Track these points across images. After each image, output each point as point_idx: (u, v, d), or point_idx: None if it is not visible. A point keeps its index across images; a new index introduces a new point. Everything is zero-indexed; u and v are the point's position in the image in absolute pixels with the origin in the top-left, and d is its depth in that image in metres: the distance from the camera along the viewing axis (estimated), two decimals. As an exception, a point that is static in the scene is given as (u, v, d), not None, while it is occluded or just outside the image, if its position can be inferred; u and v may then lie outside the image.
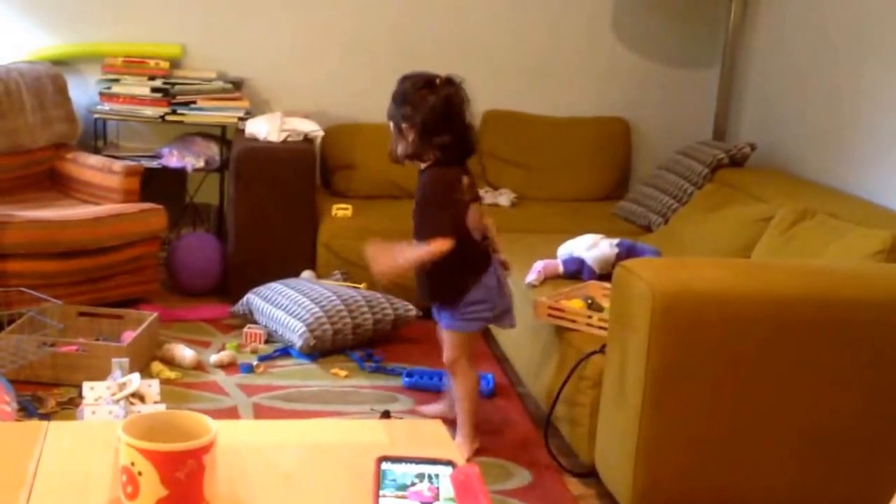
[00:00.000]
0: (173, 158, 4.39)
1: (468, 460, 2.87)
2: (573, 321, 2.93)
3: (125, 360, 2.99)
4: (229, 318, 3.95)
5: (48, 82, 4.25)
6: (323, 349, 3.63)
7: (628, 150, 4.94)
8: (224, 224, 4.58)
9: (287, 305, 3.69)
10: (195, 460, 1.14)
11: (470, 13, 4.82)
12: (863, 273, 2.64)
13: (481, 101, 4.77)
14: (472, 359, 3.01)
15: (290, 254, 4.16)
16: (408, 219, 2.90)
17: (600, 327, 2.82)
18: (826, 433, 2.44)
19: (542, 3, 4.86)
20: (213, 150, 4.47)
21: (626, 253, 3.32)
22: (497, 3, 4.84)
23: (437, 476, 1.27)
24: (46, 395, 3.17)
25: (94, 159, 4.18)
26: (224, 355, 3.55)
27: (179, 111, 4.41)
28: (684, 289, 2.36)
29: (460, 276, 2.86)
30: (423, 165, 2.85)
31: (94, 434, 1.40)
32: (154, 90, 4.40)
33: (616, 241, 3.43)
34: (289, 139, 4.25)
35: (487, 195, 4.55)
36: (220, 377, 3.44)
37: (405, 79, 2.85)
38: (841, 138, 3.98)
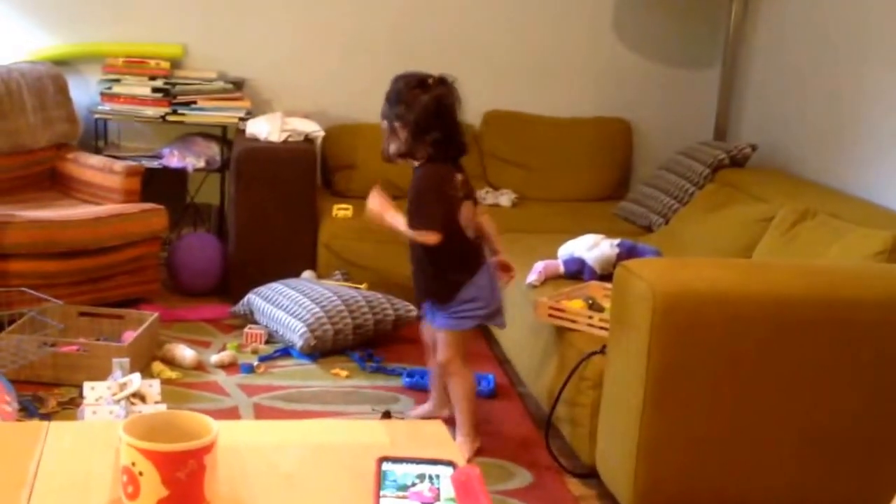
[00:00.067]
0: (174, 158, 4.39)
1: (469, 460, 2.87)
2: (574, 321, 2.92)
3: (126, 361, 2.99)
4: (230, 319, 3.95)
5: (49, 82, 4.25)
6: (323, 349, 3.63)
7: (629, 151, 4.94)
8: (225, 224, 4.58)
9: (288, 306, 3.69)
10: (196, 460, 1.14)
11: (470, 13, 4.82)
12: (863, 273, 2.64)
13: (482, 101, 4.79)
14: (467, 358, 3.01)
15: (291, 254, 4.16)
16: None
17: (601, 328, 2.82)
18: (826, 433, 2.44)
19: (542, 3, 4.86)
20: (214, 150, 4.47)
21: (627, 253, 3.32)
22: (497, 3, 4.84)
23: (437, 476, 1.27)
24: (47, 395, 3.17)
25: (94, 159, 4.18)
26: (225, 355, 3.55)
27: (180, 111, 4.41)
28: (685, 289, 2.36)
29: (453, 273, 2.88)
30: (416, 163, 2.87)
31: (94, 434, 1.40)
32: (155, 90, 4.40)
33: (617, 241, 3.43)
34: (289, 139, 4.25)
35: (488, 195, 4.55)
36: (220, 377, 3.44)
37: (398, 78, 2.88)
38: (842, 138, 3.98)
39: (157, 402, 2.85)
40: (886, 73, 3.70)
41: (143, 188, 4.10)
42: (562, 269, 3.39)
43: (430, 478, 1.26)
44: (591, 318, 2.89)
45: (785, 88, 4.46)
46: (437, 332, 3.00)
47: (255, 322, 3.82)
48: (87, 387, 2.82)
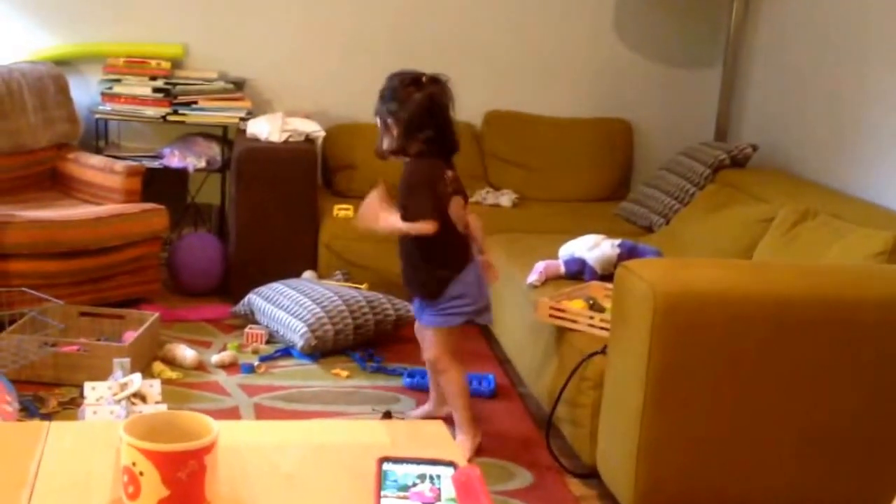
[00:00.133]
0: (175, 158, 4.39)
1: (471, 457, 2.88)
2: (574, 322, 2.92)
3: (126, 361, 2.99)
4: (230, 319, 3.95)
5: (50, 82, 4.25)
6: (324, 349, 3.63)
7: (630, 151, 4.94)
8: (225, 224, 4.58)
9: (288, 306, 3.69)
10: (197, 461, 1.14)
11: (470, 13, 4.82)
12: (864, 274, 2.64)
13: (482, 101, 4.80)
14: (460, 356, 3.01)
15: (292, 254, 4.16)
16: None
17: (602, 328, 2.82)
18: (827, 433, 2.44)
19: (543, 3, 4.86)
20: (215, 150, 4.47)
21: (628, 253, 3.32)
22: (497, 3, 4.84)
23: (438, 477, 1.27)
24: (48, 395, 3.17)
25: (95, 159, 4.18)
26: (225, 355, 3.55)
27: (181, 111, 4.41)
28: (686, 289, 2.36)
29: (442, 268, 2.90)
30: (407, 159, 2.90)
31: (95, 434, 1.40)
32: (155, 90, 4.40)
33: (617, 241, 3.43)
34: (290, 139, 4.25)
35: (489, 196, 4.55)
36: (221, 377, 3.44)
37: (393, 76, 2.91)
38: (842, 139, 3.97)
39: (157, 403, 2.85)
40: (887, 73, 3.70)
41: (143, 188, 4.10)
42: (562, 269, 3.39)
43: (431, 478, 1.26)
44: (591, 318, 2.89)
45: (786, 89, 4.46)
46: (425, 330, 3.01)
47: (256, 322, 3.82)
48: (88, 387, 2.82)
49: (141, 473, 1.13)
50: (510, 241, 3.83)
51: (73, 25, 4.54)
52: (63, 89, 4.29)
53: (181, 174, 4.53)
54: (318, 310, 3.63)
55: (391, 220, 2.85)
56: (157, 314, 3.60)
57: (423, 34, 4.75)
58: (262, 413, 3.17)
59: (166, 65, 4.45)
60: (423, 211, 2.80)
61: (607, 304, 2.91)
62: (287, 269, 4.04)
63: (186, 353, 3.50)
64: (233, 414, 3.14)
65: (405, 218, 2.83)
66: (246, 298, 3.89)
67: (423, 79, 2.85)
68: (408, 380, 3.45)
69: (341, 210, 4.24)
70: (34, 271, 3.61)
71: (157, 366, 3.42)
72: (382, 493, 1.22)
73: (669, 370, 2.35)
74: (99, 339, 3.48)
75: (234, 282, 4.17)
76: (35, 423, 1.67)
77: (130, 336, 3.41)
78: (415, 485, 1.24)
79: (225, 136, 4.55)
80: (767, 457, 2.43)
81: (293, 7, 4.70)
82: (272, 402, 3.26)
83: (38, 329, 3.34)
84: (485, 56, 4.84)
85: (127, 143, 4.62)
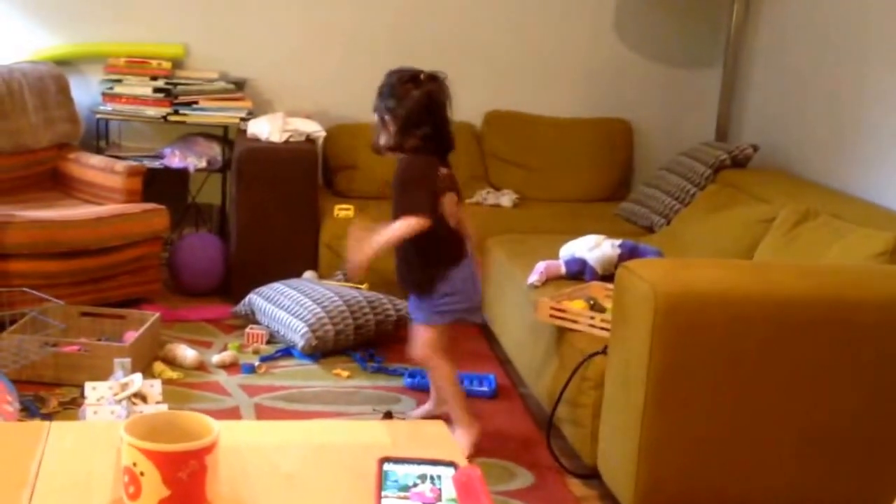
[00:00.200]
0: (175, 158, 4.39)
1: (472, 452, 2.88)
2: (575, 322, 2.92)
3: (127, 361, 2.99)
4: (231, 319, 3.95)
5: (51, 82, 4.25)
6: (325, 350, 3.63)
7: (630, 151, 4.94)
8: (226, 224, 4.59)
9: (289, 306, 3.69)
10: (197, 461, 1.14)
11: (470, 13, 4.83)
12: (865, 274, 2.64)
13: (482, 101, 4.80)
14: (447, 353, 3.00)
15: (292, 254, 4.16)
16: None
17: (602, 328, 2.82)
18: (827, 433, 2.44)
19: (543, 3, 4.86)
20: (216, 150, 4.47)
21: (629, 254, 3.32)
22: (497, 3, 4.84)
23: (439, 477, 1.27)
24: (48, 395, 3.17)
25: (96, 159, 4.18)
26: (226, 355, 3.55)
27: (182, 111, 4.41)
28: (686, 290, 2.36)
29: (435, 264, 2.91)
30: (402, 156, 2.91)
31: (96, 434, 1.40)
32: (156, 90, 4.40)
33: (618, 241, 3.43)
34: (291, 139, 4.26)
35: (489, 196, 4.55)
36: (221, 377, 3.44)
37: (391, 73, 2.93)
38: (843, 139, 3.97)
39: (158, 403, 2.85)
40: (887, 73, 3.70)
41: (144, 188, 4.10)
42: (563, 269, 3.39)
43: (432, 478, 1.26)
44: (592, 318, 2.89)
45: (786, 89, 4.46)
46: (416, 327, 3.01)
47: (257, 322, 3.82)
48: (89, 387, 2.82)
49: (142, 473, 1.13)
50: (511, 242, 3.83)
51: (73, 25, 4.55)
52: (64, 89, 4.30)
53: (182, 174, 4.53)
54: (318, 310, 3.63)
55: (377, 238, 2.84)
56: (157, 314, 3.60)
57: (423, 34, 4.76)
58: (262, 413, 3.17)
59: (167, 65, 4.45)
60: (416, 207, 2.81)
61: (608, 304, 2.91)
62: (288, 270, 4.04)
63: (187, 353, 3.50)
64: (233, 414, 3.14)
65: (398, 214, 2.84)
66: (246, 298, 3.89)
67: (422, 76, 2.87)
68: (408, 380, 3.45)
69: (342, 210, 4.24)
70: (35, 271, 3.62)
71: (158, 366, 3.42)
72: (383, 493, 1.22)
73: (670, 370, 2.35)
74: (100, 339, 3.48)
75: (234, 282, 4.17)
76: (36, 423, 1.67)
77: (131, 336, 3.41)
78: (415, 485, 1.24)
79: (226, 137, 4.55)
80: (768, 457, 2.43)
81: (294, 7, 4.70)
82: (273, 403, 3.26)
83: (39, 329, 3.34)
84: (485, 56, 4.84)
85: (128, 143, 4.62)
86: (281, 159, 4.16)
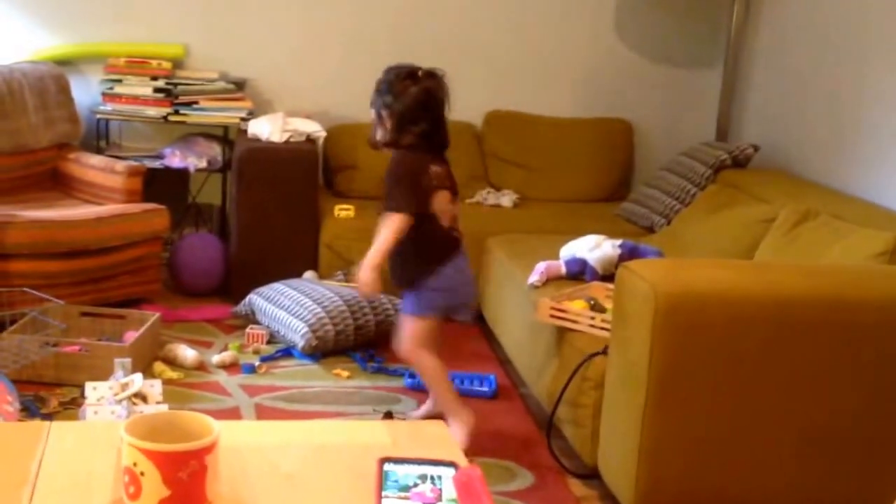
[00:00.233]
0: (176, 159, 4.39)
1: (469, 437, 2.86)
2: (575, 322, 2.92)
3: (127, 361, 2.99)
4: (231, 319, 3.95)
5: (51, 82, 4.25)
6: (325, 350, 3.63)
7: (630, 151, 4.94)
8: (226, 224, 4.59)
9: (289, 306, 3.69)
10: (197, 461, 1.14)
11: (470, 13, 4.83)
12: (865, 275, 2.64)
13: (482, 101, 4.80)
14: (431, 348, 2.99)
15: (293, 254, 4.16)
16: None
17: (603, 328, 2.82)
18: (827, 433, 2.44)
19: (543, 3, 4.86)
20: (216, 150, 4.47)
21: (629, 254, 3.32)
22: (497, 3, 4.84)
23: (439, 477, 1.27)
24: (49, 395, 3.17)
25: (96, 159, 4.18)
26: (226, 356, 3.55)
27: (182, 111, 4.42)
28: (687, 290, 2.36)
29: (421, 260, 2.90)
30: (395, 152, 2.92)
31: (96, 434, 1.40)
32: (156, 90, 4.40)
33: (619, 241, 3.43)
34: (291, 139, 4.26)
35: (490, 196, 4.56)
36: (222, 378, 3.44)
37: (389, 69, 2.94)
38: (843, 139, 3.97)
39: (158, 403, 2.85)
40: (887, 73, 3.70)
41: (144, 188, 4.10)
42: (563, 269, 3.39)
43: (432, 478, 1.26)
44: (592, 318, 2.89)
45: (786, 89, 4.46)
46: (402, 320, 3.01)
47: (257, 322, 3.82)
48: (89, 387, 2.82)
49: (142, 473, 1.13)
50: (511, 242, 3.83)
51: (74, 25, 4.55)
52: (64, 89, 4.30)
53: (182, 174, 4.53)
54: (318, 310, 3.63)
55: (373, 252, 2.84)
56: (158, 314, 3.60)
57: (423, 34, 4.75)
58: (262, 413, 3.17)
59: (167, 65, 4.45)
60: (400, 204, 2.83)
61: (608, 304, 2.91)
62: (288, 270, 4.04)
63: (187, 353, 3.50)
64: (234, 414, 3.14)
65: (385, 211, 2.85)
66: (247, 298, 3.89)
67: (420, 73, 2.88)
68: (409, 380, 3.45)
69: (342, 210, 4.24)
70: (35, 271, 3.62)
71: (158, 366, 3.42)
72: (383, 493, 1.22)
73: (670, 370, 2.35)
74: (100, 339, 3.49)
75: (234, 282, 4.17)
76: (36, 423, 1.67)
77: (131, 336, 3.41)
78: (416, 485, 1.24)
79: (226, 137, 4.55)
80: (768, 457, 2.43)
81: (294, 7, 4.70)
82: (273, 403, 3.26)
83: (40, 329, 3.34)
84: (485, 56, 4.84)
85: (128, 143, 4.62)
86: (281, 159, 4.16)
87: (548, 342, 3.05)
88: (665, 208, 4.26)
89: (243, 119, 4.44)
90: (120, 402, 2.77)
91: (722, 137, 4.82)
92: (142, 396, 2.83)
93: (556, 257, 3.46)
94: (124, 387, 2.82)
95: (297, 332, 3.60)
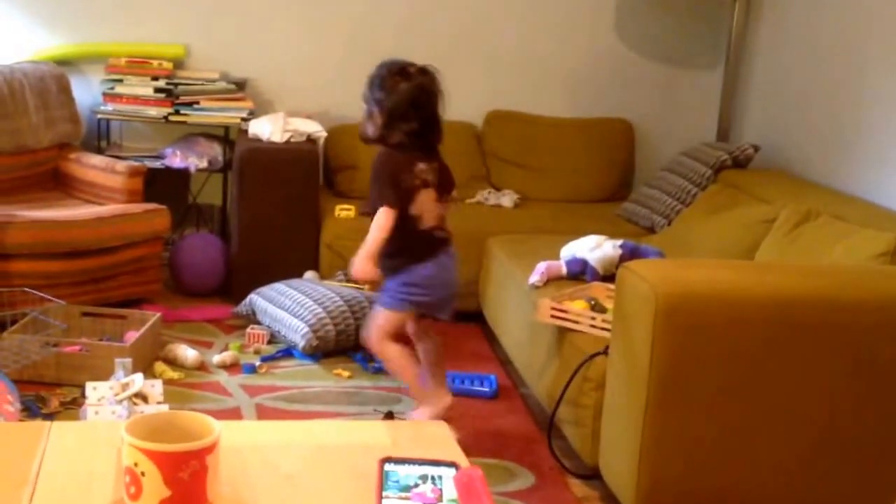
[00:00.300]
0: (176, 159, 4.39)
1: (432, 418, 2.84)
2: (576, 322, 2.92)
3: (128, 361, 2.99)
4: (232, 319, 3.96)
5: (52, 82, 4.25)
6: (326, 350, 3.63)
7: (631, 151, 4.94)
8: (227, 224, 4.59)
9: (290, 306, 3.69)
10: (198, 461, 1.14)
11: (471, 13, 4.82)
12: (866, 275, 2.64)
13: (483, 101, 4.80)
14: (397, 340, 2.98)
15: (293, 254, 4.16)
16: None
17: (603, 328, 2.81)
18: (827, 434, 2.44)
19: (544, 3, 4.86)
20: (217, 150, 4.47)
21: (630, 254, 3.32)
22: (498, 3, 4.84)
23: (440, 477, 1.27)
24: (49, 395, 3.17)
25: (97, 159, 4.18)
26: (227, 356, 3.55)
27: (183, 111, 4.41)
28: (688, 290, 2.36)
29: (398, 255, 2.88)
30: (382, 148, 2.91)
31: (97, 434, 1.40)
32: (157, 90, 4.40)
33: (619, 242, 3.43)
34: (292, 140, 4.26)
35: (491, 196, 4.55)
36: (222, 378, 3.44)
37: (382, 64, 2.92)
38: (844, 139, 3.97)
39: (159, 403, 2.85)
40: (887, 73, 3.70)
41: (145, 188, 4.10)
42: (564, 269, 3.39)
43: (433, 479, 1.26)
44: (593, 318, 2.89)
45: (787, 90, 4.46)
46: (375, 311, 3.00)
47: (258, 322, 3.82)
48: (90, 387, 2.82)
49: (143, 473, 1.13)
50: (511, 242, 3.83)
51: (74, 25, 4.55)
52: (65, 89, 4.30)
53: (183, 174, 4.53)
54: (319, 310, 3.63)
55: (364, 248, 2.85)
56: (158, 314, 3.60)
57: (424, 34, 4.75)
58: (263, 413, 3.17)
59: (168, 65, 4.45)
60: (381, 199, 2.82)
61: (609, 304, 2.91)
62: (288, 270, 4.04)
63: (188, 353, 3.50)
64: (234, 414, 3.14)
65: (369, 207, 2.86)
66: (247, 299, 3.89)
67: (412, 69, 2.84)
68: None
69: (343, 210, 4.24)
70: (36, 271, 3.62)
71: (159, 366, 3.42)
72: (384, 493, 1.22)
73: (671, 371, 2.35)
74: (101, 339, 3.49)
75: (235, 282, 4.17)
76: (37, 423, 1.67)
77: (132, 336, 3.41)
78: (416, 485, 1.24)
79: (227, 137, 4.55)
80: (769, 457, 2.43)
81: (294, 7, 4.70)
82: (274, 403, 3.26)
83: (40, 329, 3.34)
84: (485, 56, 4.84)
85: (129, 143, 4.62)
86: (282, 159, 4.16)
87: (548, 342, 3.05)
88: (666, 208, 4.26)
89: (244, 119, 4.44)
90: (121, 402, 2.77)
91: (723, 137, 4.81)
92: (142, 396, 2.83)
93: (557, 257, 3.46)
94: (125, 387, 2.82)
95: (297, 332, 3.60)
